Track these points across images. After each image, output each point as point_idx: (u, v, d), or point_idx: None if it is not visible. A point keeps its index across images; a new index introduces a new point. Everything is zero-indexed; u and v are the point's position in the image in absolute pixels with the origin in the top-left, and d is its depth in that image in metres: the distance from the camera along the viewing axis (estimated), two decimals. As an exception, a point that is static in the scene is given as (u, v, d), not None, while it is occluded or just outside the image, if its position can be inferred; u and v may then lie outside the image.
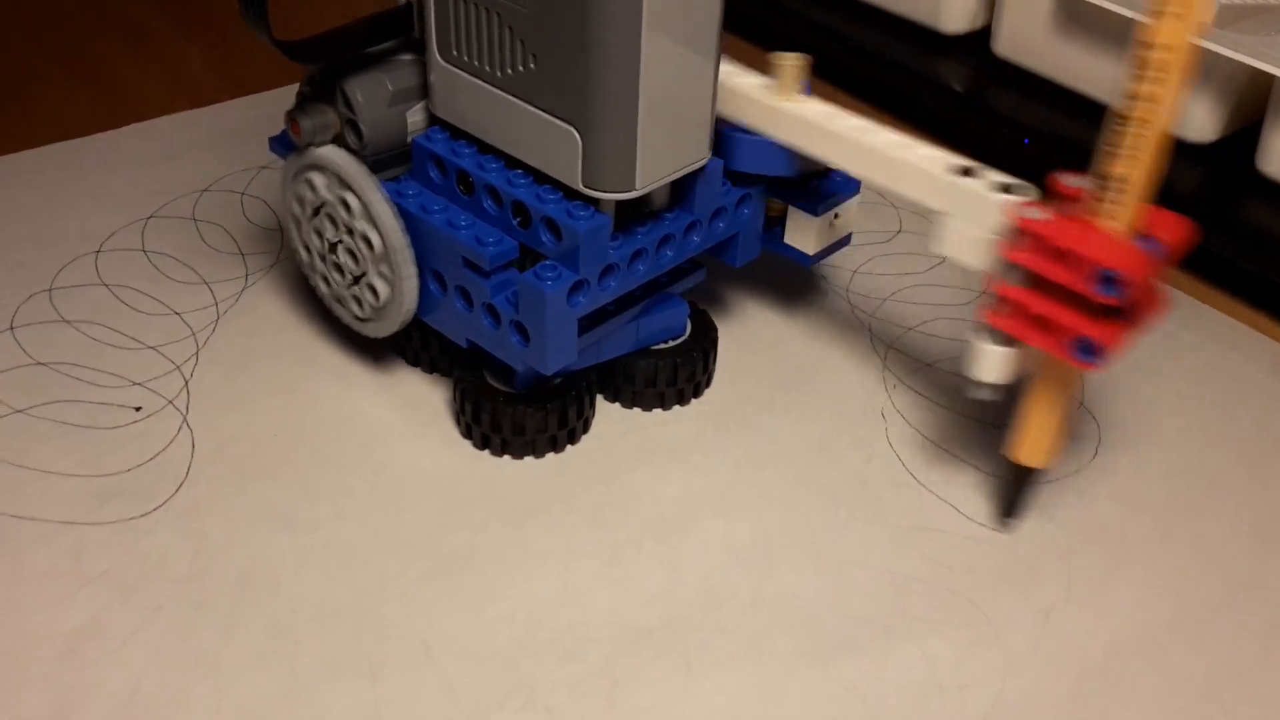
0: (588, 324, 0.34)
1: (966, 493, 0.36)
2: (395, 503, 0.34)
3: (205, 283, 0.42)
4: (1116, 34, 0.47)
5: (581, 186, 0.31)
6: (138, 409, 0.37)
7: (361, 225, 0.34)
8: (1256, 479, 0.37)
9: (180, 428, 0.36)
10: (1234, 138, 0.46)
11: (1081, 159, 0.47)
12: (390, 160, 0.35)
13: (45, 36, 0.59)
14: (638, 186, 0.31)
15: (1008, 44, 0.51)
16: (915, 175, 0.32)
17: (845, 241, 0.39)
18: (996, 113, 0.49)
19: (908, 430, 0.38)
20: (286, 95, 0.54)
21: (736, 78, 0.35)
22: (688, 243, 0.35)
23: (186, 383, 0.38)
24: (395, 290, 0.34)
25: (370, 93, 0.33)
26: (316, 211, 0.35)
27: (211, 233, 0.45)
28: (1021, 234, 0.30)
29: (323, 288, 0.37)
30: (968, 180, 0.31)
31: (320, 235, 0.36)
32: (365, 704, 0.29)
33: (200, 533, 0.33)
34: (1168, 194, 0.44)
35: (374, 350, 0.39)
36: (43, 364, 0.38)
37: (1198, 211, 0.44)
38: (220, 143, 0.50)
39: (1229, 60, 0.43)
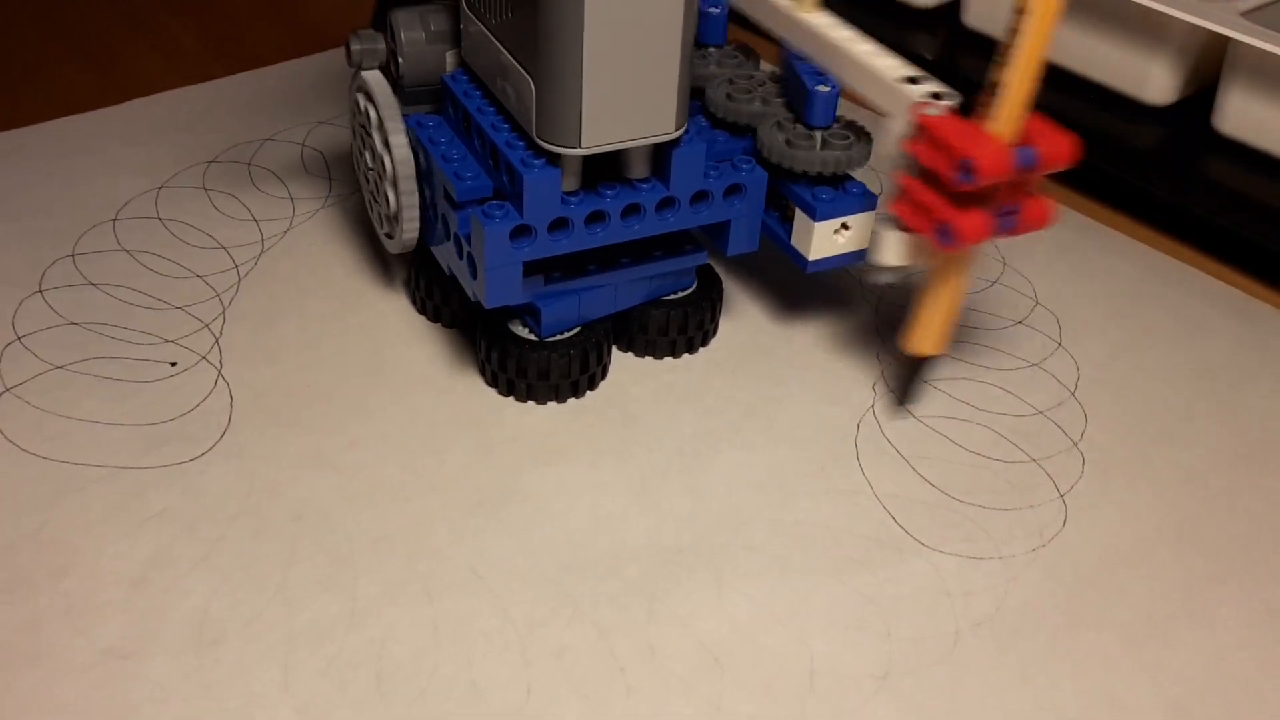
0: (568, 273, 0.36)
1: (961, 425, 0.38)
2: (432, 446, 0.36)
3: (223, 247, 0.44)
4: (1080, 4, 0.50)
5: (535, 136, 0.33)
6: (173, 364, 0.39)
7: (380, 145, 0.37)
8: (1225, 407, 0.40)
9: (216, 380, 0.38)
10: (1192, 100, 0.50)
11: (1061, 125, 0.50)
12: (428, 95, 0.38)
13: (46, 18, 0.60)
14: (584, 144, 0.32)
15: (977, 16, 0.54)
16: (871, 79, 0.36)
17: (857, 257, 0.39)
18: (967, 79, 0.52)
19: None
20: (285, 70, 0.55)
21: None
22: (661, 219, 0.36)
23: (217, 339, 0.40)
24: (400, 210, 0.37)
25: (411, 28, 0.37)
26: (360, 124, 0.39)
27: (223, 200, 0.46)
28: (918, 128, 0.34)
29: (365, 186, 0.41)
30: (909, 86, 0.35)
31: (363, 142, 0.39)
32: (424, 622, 0.31)
33: (250, 473, 0.35)
34: (1129, 152, 0.48)
35: (394, 307, 0.41)
36: (75, 323, 0.40)
37: (1158, 169, 0.47)
38: (223, 116, 0.52)
39: (1185, 23, 0.46)
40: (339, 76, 0.55)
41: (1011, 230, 0.34)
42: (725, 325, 0.42)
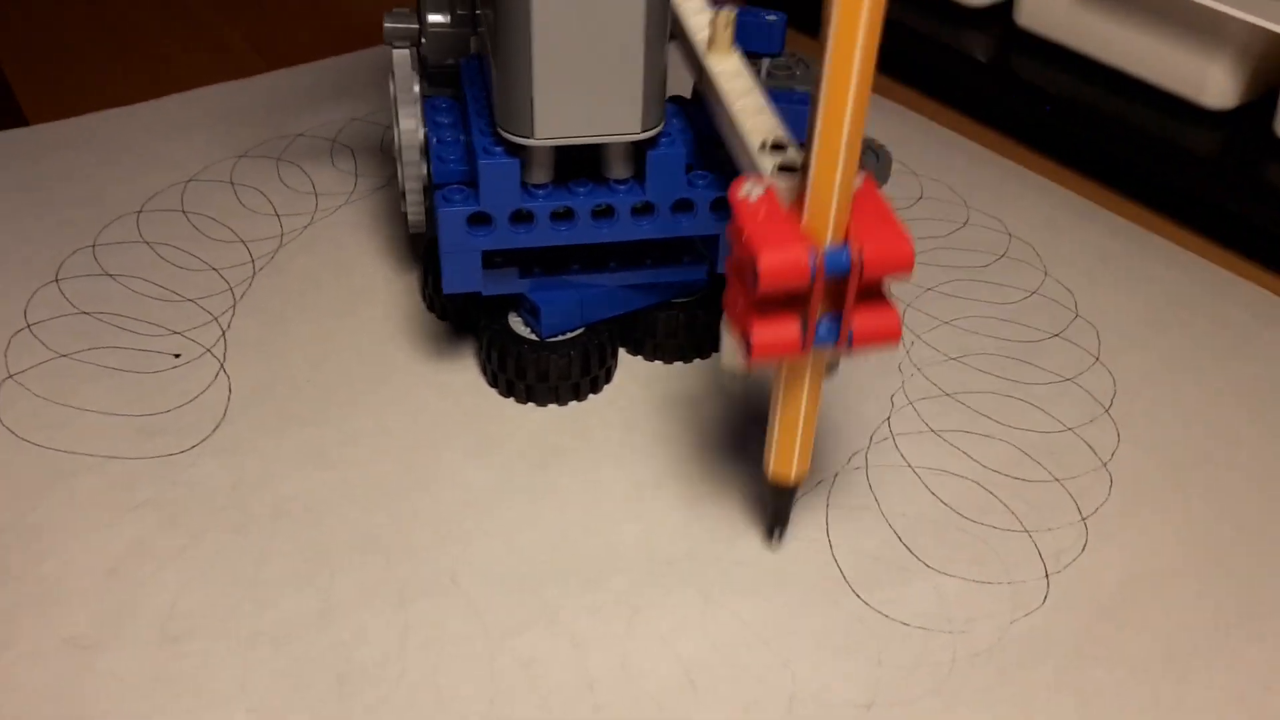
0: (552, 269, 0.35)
1: (982, 440, 0.36)
2: (428, 444, 0.35)
3: (242, 241, 0.44)
4: (1136, 4, 0.47)
5: (497, 123, 0.32)
6: (177, 355, 0.38)
7: (394, 121, 0.36)
8: (1270, 430, 0.37)
9: (218, 373, 0.38)
10: (1253, 104, 0.47)
11: (1105, 126, 0.48)
12: (454, 78, 0.38)
13: (92, 13, 0.61)
14: (537, 134, 0.31)
15: (1030, 16, 0.52)
16: (736, 139, 0.31)
17: None
18: (1020, 81, 0.50)
19: (923, 383, 0.38)
20: (325, 67, 0.55)
21: (701, 32, 0.35)
22: (636, 224, 0.34)
23: (224, 333, 0.39)
24: (404, 187, 0.36)
25: (438, 10, 0.38)
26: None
27: (248, 195, 0.46)
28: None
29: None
30: (767, 154, 0.30)
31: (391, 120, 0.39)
32: (395, 626, 0.30)
33: (239, 467, 0.34)
34: (1184, 157, 0.45)
35: (406, 305, 0.41)
36: (86, 313, 0.40)
37: (1216, 175, 0.45)
38: (259, 112, 0.52)
39: (1245, 24, 0.44)
40: (379, 73, 0.55)
41: (841, 345, 0.27)
42: (741, 330, 0.40)
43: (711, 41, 0.34)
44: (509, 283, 0.35)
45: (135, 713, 0.28)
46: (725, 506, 0.34)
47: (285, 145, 0.49)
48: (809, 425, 0.30)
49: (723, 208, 0.34)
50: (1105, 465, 0.36)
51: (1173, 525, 0.34)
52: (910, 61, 0.55)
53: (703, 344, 0.39)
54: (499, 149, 0.33)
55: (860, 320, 0.27)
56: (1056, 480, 0.35)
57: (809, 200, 0.26)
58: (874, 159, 0.35)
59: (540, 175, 0.33)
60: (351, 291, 0.41)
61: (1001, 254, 0.45)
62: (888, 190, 0.48)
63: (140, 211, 0.45)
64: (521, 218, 0.33)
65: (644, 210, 0.34)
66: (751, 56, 0.40)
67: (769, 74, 0.39)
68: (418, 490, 0.34)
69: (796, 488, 0.32)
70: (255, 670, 0.29)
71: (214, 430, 0.36)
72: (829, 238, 0.26)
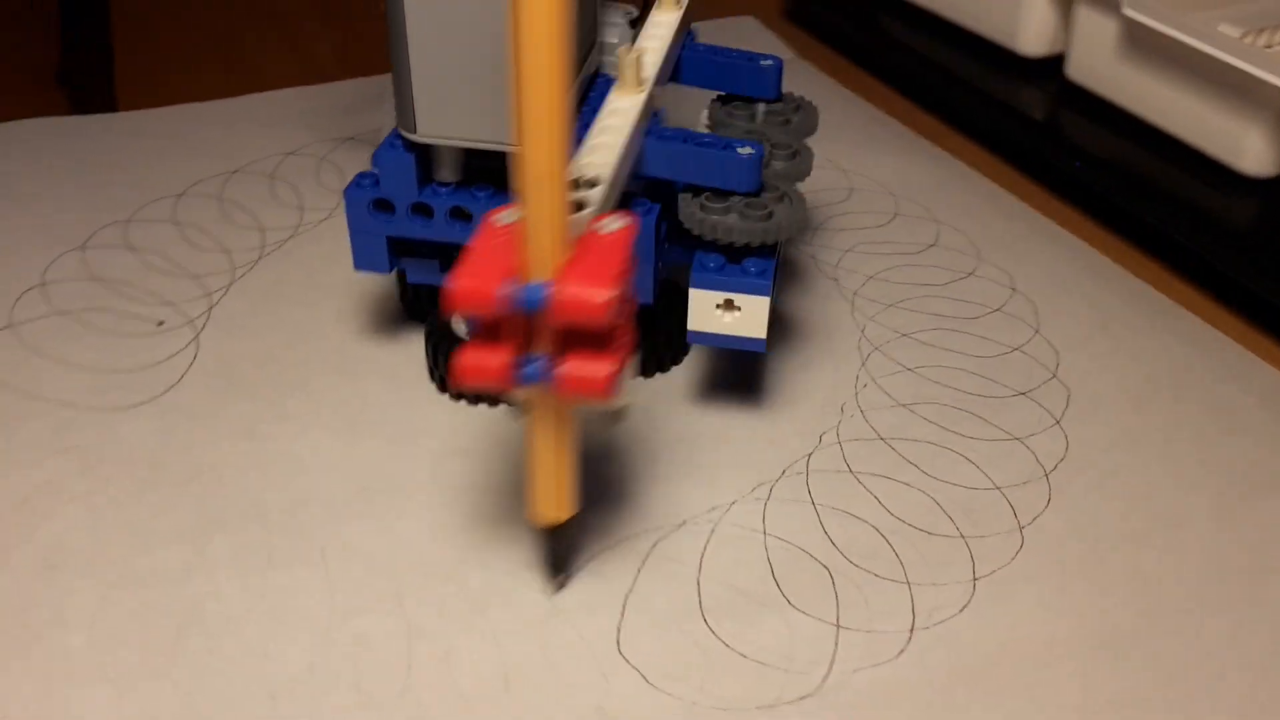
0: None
1: (897, 488, 0.35)
2: (352, 429, 0.37)
3: (259, 229, 0.47)
4: (1182, 61, 0.45)
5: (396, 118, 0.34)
6: (160, 323, 0.41)
7: None
8: (1228, 520, 0.34)
9: (190, 343, 0.40)
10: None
11: (1144, 187, 0.45)
12: None
13: (187, 17, 0.66)
14: (419, 131, 0.33)
15: (1079, 69, 0.49)
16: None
17: (753, 344, 0.34)
18: (1069, 143, 0.48)
19: (859, 424, 0.37)
20: (388, 81, 0.58)
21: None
22: None
23: (210, 309, 0.42)
24: None
25: None
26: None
27: (282, 189, 0.49)
28: None
29: None
30: (577, 190, 0.29)
31: None
32: (250, 590, 0.31)
33: (172, 428, 0.37)
34: (1222, 229, 0.42)
35: (386, 304, 0.42)
36: (98, 279, 0.43)
37: (1254, 248, 0.41)
38: (320, 115, 0.55)
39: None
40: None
41: (546, 386, 0.27)
42: (695, 356, 0.40)
43: (621, 76, 0.34)
44: (431, 274, 0.37)
45: (6, 622, 0.30)
46: (616, 514, 0.34)
47: (332, 148, 0.52)
48: (563, 466, 0.29)
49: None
50: (1022, 529, 0.34)
51: (1072, 600, 0.32)
52: (959, 107, 0.54)
53: (648, 364, 0.39)
54: (400, 143, 0.34)
55: (566, 365, 0.27)
56: (961, 536, 0.34)
57: (524, 235, 0.26)
58: (777, 211, 0.33)
59: (447, 174, 0.34)
60: (345, 283, 0.43)
61: (997, 308, 0.43)
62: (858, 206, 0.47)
63: (181, 195, 0.49)
64: (421, 210, 0.34)
65: None
66: (747, 100, 0.40)
67: (764, 118, 0.39)
68: (324, 470, 0.35)
69: (568, 528, 0.31)
70: (109, 606, 0.31)
71: (162, 394, 0.38)
72: (536, 275, 0.26)
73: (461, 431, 0.37)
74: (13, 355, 0.39)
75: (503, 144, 0.33)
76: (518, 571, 0.32)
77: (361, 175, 0.35)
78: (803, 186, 0.50)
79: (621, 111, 0.33)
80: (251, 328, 0.41)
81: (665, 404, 0.38)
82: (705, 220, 0.33)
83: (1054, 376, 0.40)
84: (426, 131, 0.32)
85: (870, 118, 0.56)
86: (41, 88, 0.59)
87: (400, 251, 0.37)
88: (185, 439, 0.36)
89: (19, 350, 0.40)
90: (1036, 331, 0.42)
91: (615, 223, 0.28)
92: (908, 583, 0.32)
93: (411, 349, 0.40)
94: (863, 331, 0.42)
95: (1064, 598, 0.32)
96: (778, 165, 0.37)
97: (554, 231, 0.26)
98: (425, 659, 0.30)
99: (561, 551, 0.31)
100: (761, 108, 0.40)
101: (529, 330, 0.27)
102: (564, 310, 0.25)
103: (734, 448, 0.36)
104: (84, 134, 0.53)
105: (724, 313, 0.34)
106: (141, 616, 0.30)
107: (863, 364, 0.40)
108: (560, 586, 0.31)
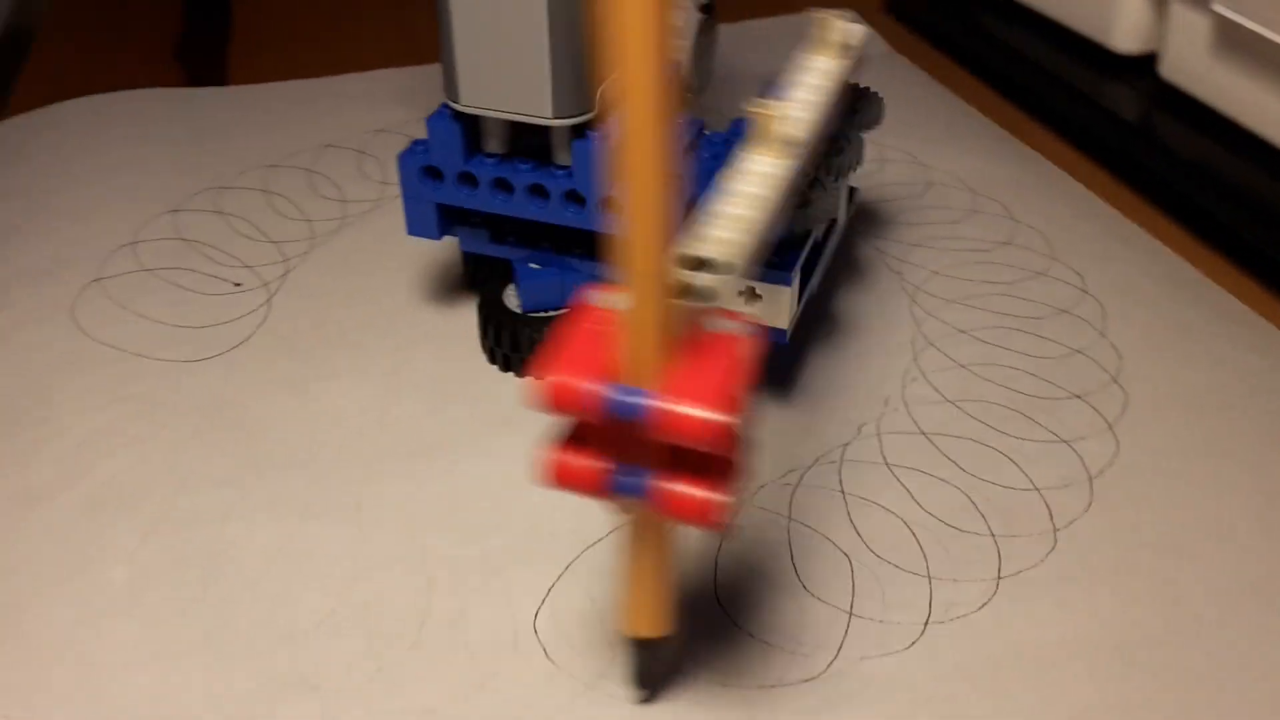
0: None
1: (934, 484, 0.34)
2: (398, 393, 0.38)
3: (343, 200, 0.48)
4: (1276, 64, 0.43)
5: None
6: (237, 285, 0.43)
7: None
8: (1270, 529, 0.33)
9: (262, 305, 0.42)
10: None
11: (1235, 195, 0.43)
12: None
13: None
14: (461, 101, 0.34)
15: (1172, 68, 0.47)
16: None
17: (774, 335, 0.34)
18: (1162, 148, 0.46)
19: (903, 419, 0.37)
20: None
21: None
22: (568, 210, 0.35)
23: (286, 274, 0.44)
24: None
25: None
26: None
27: (368, 164, 0.51)
28: None
29: None
30: (696, 269, 0.25)
31: None
32: (277, 537, 0.33)
33: (230, 382, 0.38)
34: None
35: (452, 277, 0.43)
36: (185, 240, 0.46)
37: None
38: (420, 94, 0.57)
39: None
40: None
41: (642, 500, 0.24)
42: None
43: (761, 132, 0.30)
44: (481, 244, 0.37)
45: (44, 556, 0.32)
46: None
47: (421, 126, 0.54)
48: (661, 580, 0.26)
49: None
50: (1056, 531, 0.33)
51: (1096, 606, 0.31)
52: (1049, 104, 0.52)
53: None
54: (448, 112, 0.35)
55: (668, 485, 0.23)
56: (991, 535, 0.33)
57: (622, 330, 0.22)
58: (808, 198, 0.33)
59: (494, 145, 0.35)
60: (415, 255, 0.45)
61: (1064, 309, 0.42)
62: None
63: (274, 166, 0.51)
64: (466, 179, 0.35)
65: (574, 198, 0.35)
66: None
67: None
68: (368, 428, 0.36)
69: (660, 643, 0.27)
70: (148, 544, 0.32)
71: (228, 350, 0.40)
72: (635, 379, 0.22)
73: (507, 401, 0.38)
74: (97, 306, 0.42)
75: (539, 117, 0.33)
76: (539, 537, 0.33)
77: (416, 142, 0.36)
78: (879, 181, 0.50)
79: (759, 177, 0.28)
80: (321, 292, 0.43)
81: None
82: None
83: (1114, 381, 0.38)
84: (468, 101, 0.33)
85: (957, 111, 0.55)
86: (162, 61, 0.62)
87: (452, 219, 0.38)
88: (241, 392, 0.38)
89: (103, 302, 0.42)
90: (1102, 335, 0.40)
91: (737, 326, 0.24)
92: (929, 577, 0.31)
93: (468, 319, 0.41)
94: (919, 326, 0.41)
95: (1088, 602, 0.31)
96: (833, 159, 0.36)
97: (657, 335, 0.22)
98: (439, 616, 0.30)
99: (650, 667, 0.28)
100: None
101: (628, 435, 0.23)
102: (666, 428, 0.22)
103: (768, 433, 0.36)
104: (194, 105, 0.56)
105: (746, 301, 0.34)
106: (176, 556, 0.32)
107: (914, 359, 0.39)
108: (645, 700, 0.28)
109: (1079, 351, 0.40)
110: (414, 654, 0.29)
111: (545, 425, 0.36)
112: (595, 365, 0.23)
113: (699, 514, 0.23)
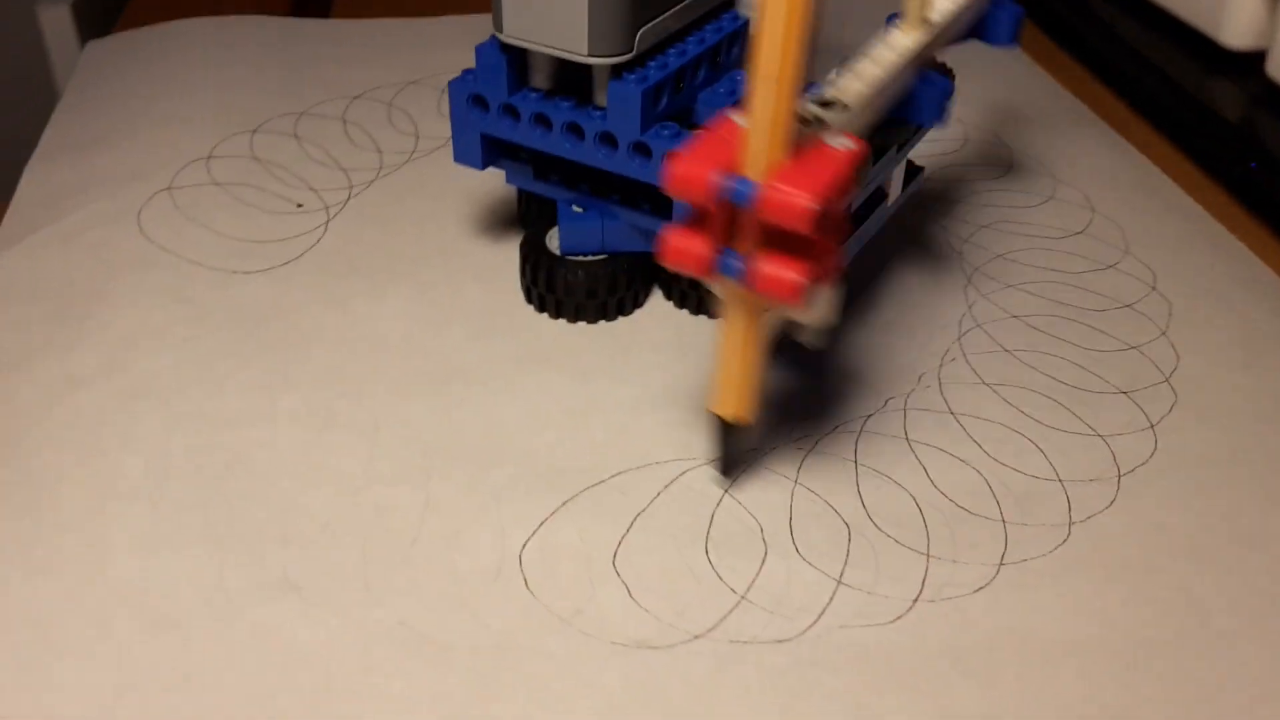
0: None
1: (952, 465, 0.33)
2: (436, 321, 0.38)
3: (416, 134, 0.49)
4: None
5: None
6: (299, 205, 0.44)
7: None
8: (1306, 551, 0.31)
9: (319, 226, 0.43)
10: None
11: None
12: None
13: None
14: (504, 32, 0.34)
15: (1278, 67, 0.45)
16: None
17: None
18: (1252, 138, 0.44)
19: (965, 372, 0.36)
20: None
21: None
22: (600, 153, 0.35)
23: (348, 200, 0.45)
24: None
25: None
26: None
27: (444, 101, 0.52)
28: None
29: None
30: (819, 106, 0.29)
31: None
32: (301, 446, 0.33)
33: (279, 296, 0.39)
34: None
35: (506, 213, 0.44)
36: (257, 159, 0.47)
37: None
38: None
39: None
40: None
41: (740, 281, 0.28)
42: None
43: (905, 12, 0.34)
44: (526, 179, 0.38)
45: (71, 438, 0.33)
46: (654, 440, 0.34)
47: (505, 69, 0.54)
48: (747, 366, 0.30)
49: None
50: (1071, 524, 0.32)
51: (1103, 604, 0.29)
52: (1150, 95, 0.50)
53: (725, 301, 0.39)
54: (496, 44, 0.35)
55: (760, 263, 0.27)
56: (1003, 521, 0.32)
57: (746, 133, 0.26)
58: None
59: (540, 81, 0.35)
60: (477, 190, 0.45)
61: (1128, 304, 0.40)
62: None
63: (356, 98, 0.52)
64: (509, 112, 0.35)
65: (608, 140, 0.35)
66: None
67: None
68: (403, 351, 0.37)
69: (738, 428, 0.31)
70: (172, 437, 0.33)
71: (280, 265, 0.41)
72: (750, 171, 0.26)
73: (540, 340, 0.38)
74: (163, 213, 0.43)
75: (576, 54, 0.33)
76: (544, 473, 0.33)
77: (467, 71, 0.36)
78: (958, 160, 0.48)
79: (896, 47, 0.33)
80: (379, 220, 0.43)
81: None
82: None
83: (1165, 380, 0.37)
84: (511, 32, 0.33)
85: (1053, 96, 0.53)
86: (271, -9, 0.64)
87: (498, 151, 0.38)
88: (287, 306, 0.39)
89: (170, 209, 0.43)
90: (1163, 333, 0.39)
91: (845, 142, 0.27)
92: (927, 555, 0.31)
93: (516, 256, 0.41)
94: (970, 308, 0.40)
95: (1094, 599, 0.29)
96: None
97: (774, 133, 0.26)
98: (431, 536, 0.31)
99: (730, 451, 0.32)
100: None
101: (737, 225, 0.27)
102: (767, 208, 0.26)
103: (791, 398, 0.36)
104: (292, 33, 0.57)
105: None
106: (195, 453, 0.33)
107: (958, 339, 0.38)
108: (725, 475, 0.32)
109: (1135, 348, 0.38)
110: (400, 569, 0.30)
111: (573, 369, 0.36)
112: (718, 160, 0.26)
113: (786, 291, 0.27)
